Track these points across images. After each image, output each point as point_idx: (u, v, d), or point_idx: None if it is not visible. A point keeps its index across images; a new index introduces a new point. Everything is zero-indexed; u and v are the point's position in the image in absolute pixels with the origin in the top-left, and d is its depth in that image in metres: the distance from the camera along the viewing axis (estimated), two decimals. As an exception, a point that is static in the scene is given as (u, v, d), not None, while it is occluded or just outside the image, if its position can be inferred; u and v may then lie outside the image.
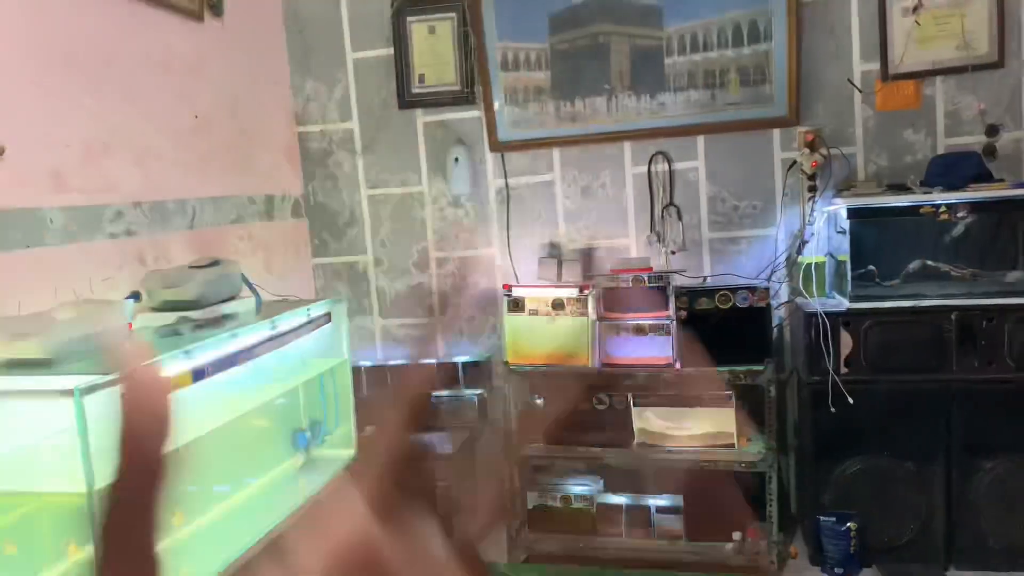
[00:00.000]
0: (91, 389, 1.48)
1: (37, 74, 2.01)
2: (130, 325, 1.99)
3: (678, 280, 2.93)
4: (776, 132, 3.05)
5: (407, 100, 3.30)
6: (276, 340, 2.16)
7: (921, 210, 2.65)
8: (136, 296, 2.12)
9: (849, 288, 2.72)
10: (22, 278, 1.92)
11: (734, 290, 2.81)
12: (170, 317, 2.09)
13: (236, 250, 2.88)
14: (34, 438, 1.77)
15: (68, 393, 1.45)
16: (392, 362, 3.40)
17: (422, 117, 3.32)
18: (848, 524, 2.68)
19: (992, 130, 2.88)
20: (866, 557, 2.72)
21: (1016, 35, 2.84)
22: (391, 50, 3.28)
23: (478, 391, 3.31)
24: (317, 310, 2.43)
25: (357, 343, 3.45)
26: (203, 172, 2.72)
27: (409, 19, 3.24)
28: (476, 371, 3.33)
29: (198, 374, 1.80)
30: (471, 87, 3.22)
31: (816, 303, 2.76)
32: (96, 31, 2.23)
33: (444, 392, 3.34)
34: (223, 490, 2.16)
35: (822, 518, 2.72)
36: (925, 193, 2.68)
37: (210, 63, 2.79)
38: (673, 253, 3.12)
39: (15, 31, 1.95)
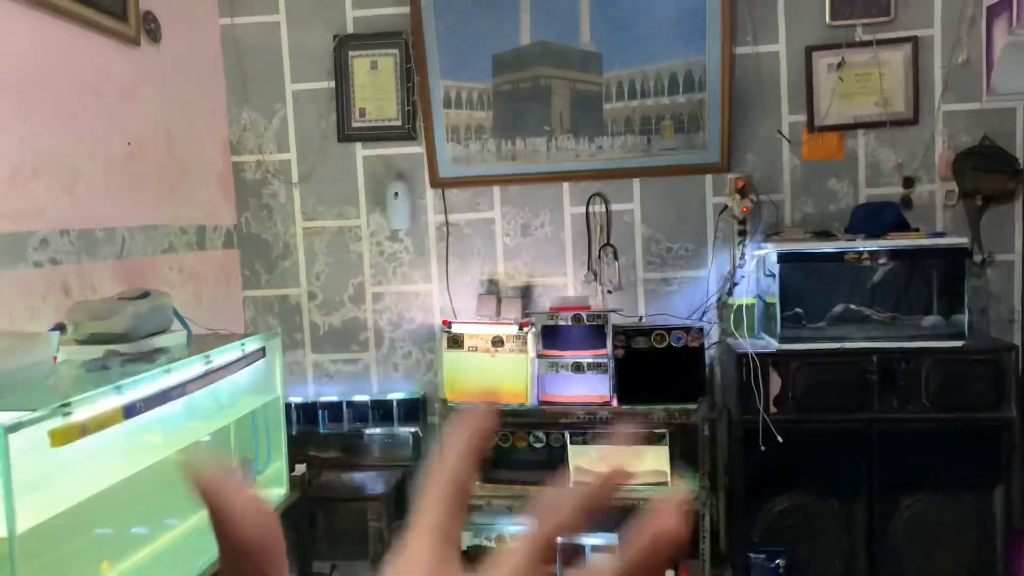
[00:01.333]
0: (16, 427, 1.40)
1: (-37, 94, 1.92)
2: (55, 358, 1.90)
3: (615, 319, 2.97)
4: (709, 177, 3.16)
5: (347, 133, 3.28)
6: (210, 376, 2.09)
7: (846, 256, 2.78)
8: (61, 328, 2.03)
9: (779, 329, 2.81)
10: (-63, 307, 1.81)
11: (669, 330, 2.88)
12: (98, 351, 2.00)
13: (166, 281, 2.78)
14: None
15: (-9, 431, 1.36)
16: (323, 399, 3.33)
17: (362, 151, 3.31)
18: (777, 561, 2.74)
19: (908, 182, 3.06)
20: (794, 593, 2.78)
21: (930, 94, 3.03)
22: (332, 83, 3.27)
23: (413, 429, 3.27)
24: (251, 344, 2.37)
25: (288, 378, 3.37)
26: (134, 200, 2.63)
27: (351, 53, 3.23)
28: (411, 408, 3.28)
29: (129, 411, 1.72)
30: (412, 123, 3.23)
31: (747, 344, 2.84)
32: (27, 52, 2.15)
33: (378, 430, 3.29)
34: (148, 533, 2.06)
35: (752, 555, 2.78)
36: (849, 240, 2.81)
37: (145, 89, 2.72)
38: (609, 292, 3.17)
39: (-59, 48, 1.86)
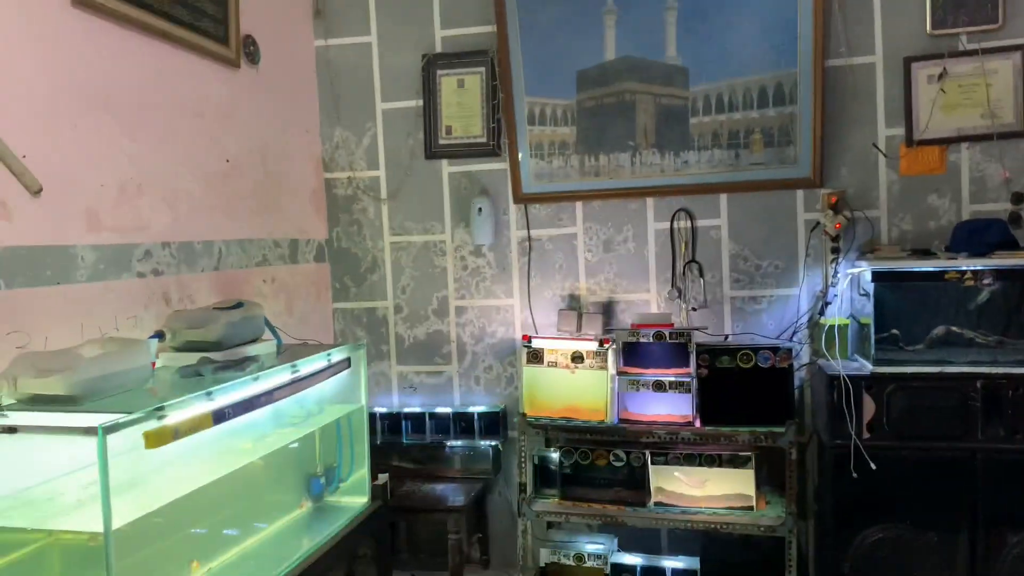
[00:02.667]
0: (114, 428, 1.48)
1: (77, 116, 2.06)
2: (153, 364, 2.00)
3: (699, 337, 2.91)
4: (800, 193, 3.06)
5: (433, 150, 3.35)
6: (296, 384, 2.16)
7: (946, 275, 2.64)
8: (160, 335, 2.14)
9: (873, 351, 2.69)
10: (50, 314, 1.94)
11: (756, 350, 2.79)
12: (192, 358, 2.10)
13: (259, 292, 2.90)
14: (52, 475, 1.77)
15: (92, 431, 1.45)
16: (407, 409, 3.38)
17: (448, 167, 3.37)
18: (869, 595, 2.61)
19: (1017, 198, 2.88)
20: (888, 630, 2.63)
21: (1041, 105, 2.86)
22: (420, 101, 3.35)
23: (493, 442, 3.29)
24: (337, 355, 2.43)
25: (373, 389, 3.45)
26: (231, 215, 2.76)
27: (439, 72, 3.30)
28: (491, 421, 3.30)
29: (218, 416, 1.79)
30: (497, 139, 3.27)
31: (839, 366, 2.73)
32: (136, 76, 2.29)
33: (459, 442, 3.32)
34: (234, 535, 2.13)
35: (842, 587, 2.65)
36: (950, 259, 2.67)
37: (243, 109, 2.85)
38: (694, 310, 3.11)
39: (58, 74, 2.01)
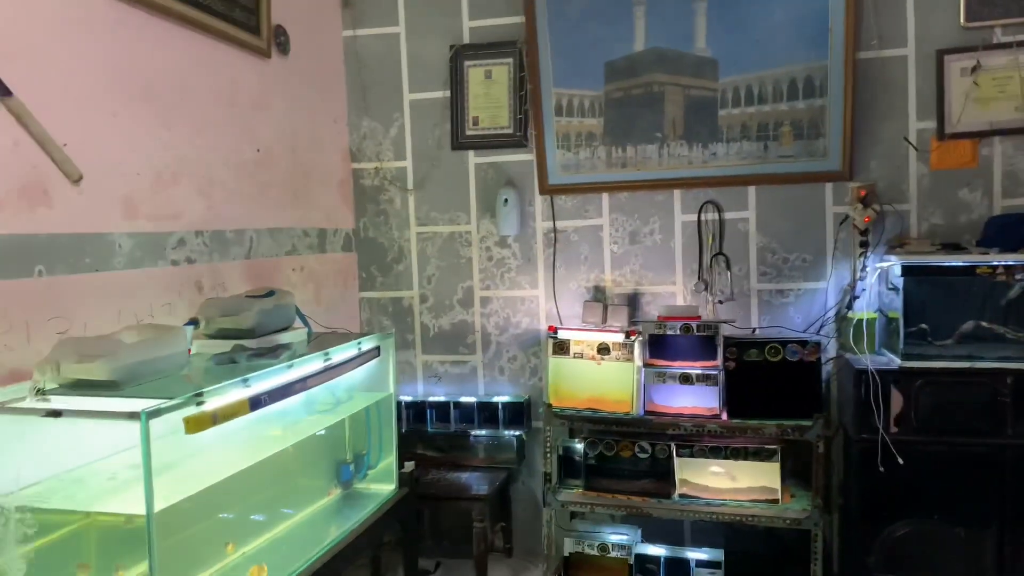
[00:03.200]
0: (156, 413, 1.51)
1: (117, 105, 2.09)
2: (189, 351, 2.03)
3: (726, 330, 2.91)
4: (829, 186, 3.05)
5: (460, 141, 3.36)
6: (328, 372, 2.18)
7: (977, 270, 2.62)
8: (195, 323, 2.17)
9: (901, 346, 2.68)
10: (89, 300, 1.97)
11: (784, 343, 2.79)
12: (226, 345, 2.13)
13: (289, 281, 2.93)
14: (89, 459, 1.81)
15: (135, 416, 1.48)
16: (432, 398, 3.41)
17: (474, 158, 3.38)
18: (895, 589, 2.60)
19: (1051, 192, 2.85)
20: (913, 625, 2.63)
21: (1077, 98, 2.82)
22: (447, 92, 3.35)
23: (517, 432, 3.30)
24: (367, 344, 2.45)
25: (398, 377, 3.48)
26: (262, 203, 2.79)
27: (467, 63, 3.31)
28: (515, 412, 3.32)
29: (255, 403, 1.82)
30: (524, 131, 3.27)
31: (867, 360, 2.72)
32: (172, 65, 2.32)
33: (483, 432, 3.34)
34: (268, 519, 2.16)
35: (868, 581, 2.65)
36: (982, 254, 2.64)
37: (274, 99, 2.87)
38: (720, 303, 3.11)
39: (99, 64, 2.03)
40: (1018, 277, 2.62)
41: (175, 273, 2.31)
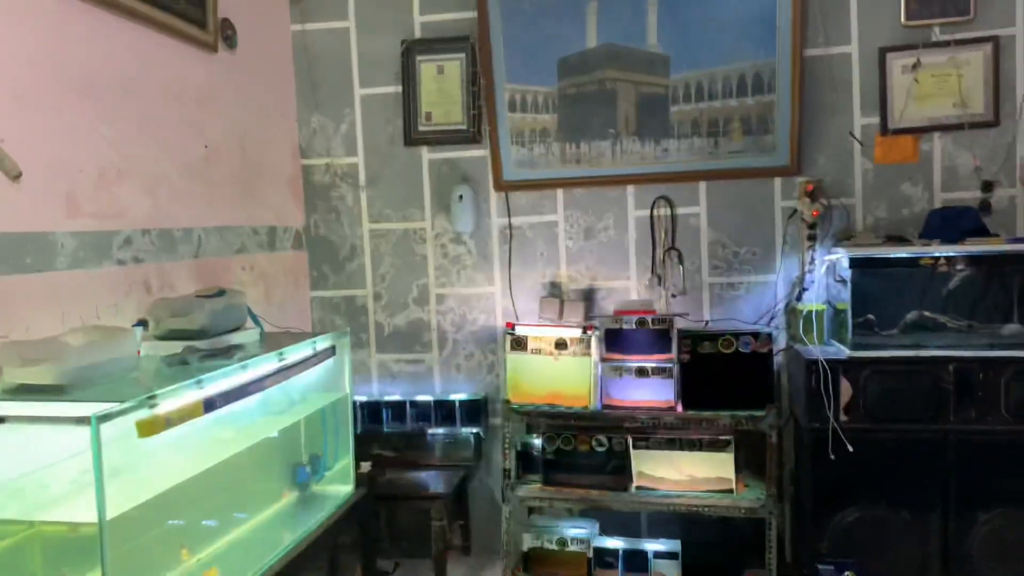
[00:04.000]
0: (107, 417, 1.46)
1: (56, 99, 2.01)
2: (138, 352, 1.97)
3: (680, 323, 2.95)
4: (777, 181, 3.11)
5: (413, 137, 3.33)
6: (284, 372, 2.14)
7: (920, 262, 2.70)
8: (143, 324, 2.10)
9: (850, 336, 2.75)
10: (31, 302, 1.90)
11: (737, 335, 2.84)
12: (177, 346, 2.07)
13: (238, 280, 2.87)
14: (35, 466, 1.74)
15: (85, 421, 1.42)
16: (387, 398, 3.37)
17: (427, 154, 3.35)
18: (846, 573, 2.66)
19: (987, 186, 2.96)
20: (863, 607, 2.70)
21: (1010, 95, 2.93)
22: (399, 88, 3.32)
23: (474, 429, 3.29)
24: (322, 343, 2.42)
25: (353, 378, 3.42)
26: (210, 202, 2.72)
27: (418, 58, 3.28)
28: (472, 409, 3.31)
29: (209, 404, 1.77)
30: (478, 127, 3.26)
31: (816, 350, 2.78)
32: (116, 59, 2.24)
33: (440, 430, 3.32)
34: (223, 524, 2.11)
35: (820, 566, 2.70)
36: (924, 245, 2.73)
37: (221, 94, 2.80)
38: (673, 296, 3.14)
39: (37, 57, 1.95)
40: (958, 268, 2.71)
41: (121, 273, 2.24)
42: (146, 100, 2.38)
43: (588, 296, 3.25)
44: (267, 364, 2.09)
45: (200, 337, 2.12)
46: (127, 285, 2.26)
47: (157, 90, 2.44)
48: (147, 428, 1.56)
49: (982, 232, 2.80)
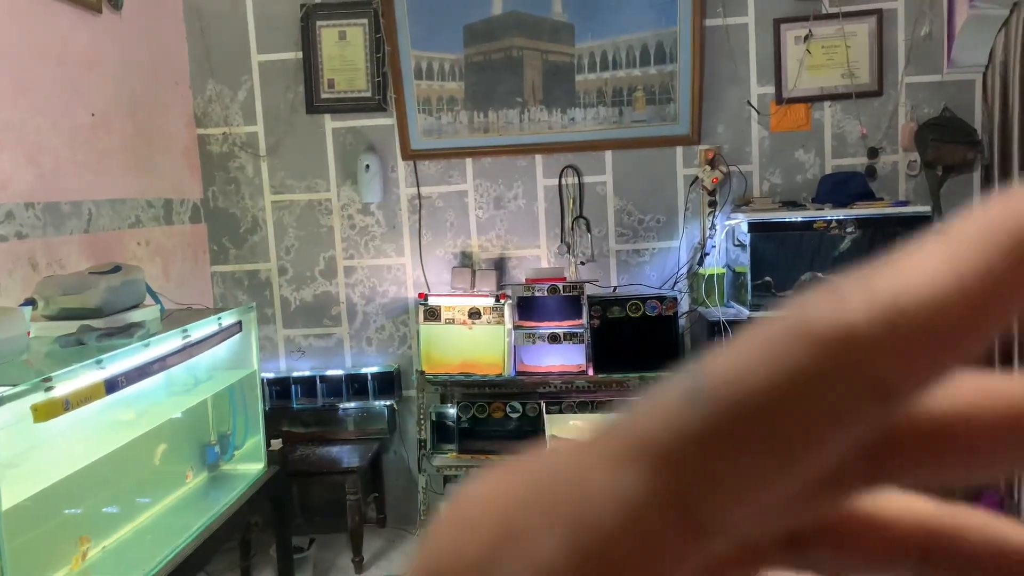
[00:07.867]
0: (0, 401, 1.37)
1: (-78, 60, 1.85)
2: (28, 333, 1.85)
3: (590, 290, 3.00)
4: (679, 149, 3.19)
5: (315, 105, 3.23)
6: (189, 350, 2.06)
7: (814, 225, 2.84)
8: (31, 303, 1.97)
9: (749, 298, 2.87)
10: (-98, 283, 1.75)
11: (644, 299, 2.91)
12: (71, 326, 1.96)
13: (134, 256, 2.73)
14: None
15: (-26, 406, 1.33)
16: (296, 374, 3.30)
17: (331, 123, 3.26)
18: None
19: (873, 152, 3.12)
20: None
21: (893, 66, 3.09)
22: (299, 54, 3.21)
23: (388, 402, 3.27)
24: (228, 319, 2.34)
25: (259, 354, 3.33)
26: (100, 173, 2.57)
27: (319, 23, 3.17)
28: (385, 382, 3.28)
29: (111, 385, 1.69)
30: (383, 94, 3.19)
31: (718, 312, 2.89)
32: (-13, 17, 2.07)
33: (352, 404, 3.27)
34: (128, 509, 2.03)
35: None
36: (817, 209, 2.87)
37: (107, 58, 2.64)
38: (582, 264, 3.19)
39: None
40: (849, 230, 2.86)
41: (4, 250, 2.09)
42: (23, 62, 2.21)
43: (499, 265, 3.26)
44: (171, 342, 2.00)
45: (96, 316, 2.01)
46: (11, 262, 2.12)
47: (35, 52, 2.27)
48: (44, 412, 1.47)
49: (869, 196, 2.96)
